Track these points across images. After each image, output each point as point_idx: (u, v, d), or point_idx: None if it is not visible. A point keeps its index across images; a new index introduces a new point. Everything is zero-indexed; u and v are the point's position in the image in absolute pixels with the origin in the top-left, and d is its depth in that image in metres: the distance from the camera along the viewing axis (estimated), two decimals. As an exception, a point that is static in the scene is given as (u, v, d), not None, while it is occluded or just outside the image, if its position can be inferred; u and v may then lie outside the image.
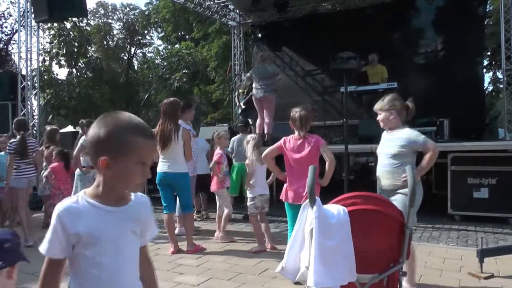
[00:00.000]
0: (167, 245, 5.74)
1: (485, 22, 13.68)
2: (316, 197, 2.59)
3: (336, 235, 2.53)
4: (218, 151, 6.71)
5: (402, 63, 11.65)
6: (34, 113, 11.02)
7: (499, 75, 21.32)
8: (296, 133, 4.52)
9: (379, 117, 4.10)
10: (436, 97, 10.31)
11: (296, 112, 4.52)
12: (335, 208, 2.63)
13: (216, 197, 6.73)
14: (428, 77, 11.01)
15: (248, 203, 5.82)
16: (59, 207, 1.55)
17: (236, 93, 10.86)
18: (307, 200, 2.64)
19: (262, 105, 9.14)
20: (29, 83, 10.45)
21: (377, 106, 4.12)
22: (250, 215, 5.82)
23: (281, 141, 4.58)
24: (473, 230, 6.74)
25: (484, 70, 16.60)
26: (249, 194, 5.84)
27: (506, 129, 10.78)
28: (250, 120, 9.65)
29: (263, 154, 4.72)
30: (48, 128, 8.36)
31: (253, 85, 9.23)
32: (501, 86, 12.41)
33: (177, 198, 5.99)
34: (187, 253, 5.59)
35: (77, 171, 7.25)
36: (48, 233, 1.53)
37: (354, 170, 10.76)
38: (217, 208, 6.63)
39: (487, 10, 14.62)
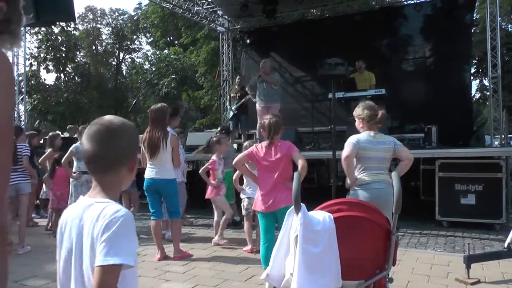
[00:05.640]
0: (154, 252, 5.68)
1: (472, 30, 13.79)
2: (301, 203, 2.57)
3: (321, 242, 2.51)
4: (213, 158, 6.54)
5: (390, 69, 11.72)
6: (21, 119, 10.90)
7: (486, 82, 21.59)
8: (265, 140, 4.53)
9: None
10: (424, 104, 10.39)
11: (266, 119, 4.51)
12: (320, 215, 2.61)
13: (213, 204, 6.67)
14: (416, 84, 11.05)
15: (242, 205, 6.10)
16: (127, 214, 1.39)
17: (228, 97, 10.83)
18: (292, 207, 2.61)
19: None
20: (15, 88, 10.25)
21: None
22: (245, 216, 6.02)
23: (251, 148, 4.56)
24: (461, 236, 6.77)
25: (471, 78, 16.76)
26: (241, 196, 6.14)
27: (492, 136, 10.87)
28: (231, 127, 10.03)
29: (234, 161, 4.68)
30: (50, 133, 8.28)
31: None
32: (488, 93, 12.52)
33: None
34: (174, 260, 5.54)
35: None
36: (128, 239, 1.36)
37: (342, 176, 10.74)
38: (215, 215, 6.61)
39: (474, 18, 14.76)
